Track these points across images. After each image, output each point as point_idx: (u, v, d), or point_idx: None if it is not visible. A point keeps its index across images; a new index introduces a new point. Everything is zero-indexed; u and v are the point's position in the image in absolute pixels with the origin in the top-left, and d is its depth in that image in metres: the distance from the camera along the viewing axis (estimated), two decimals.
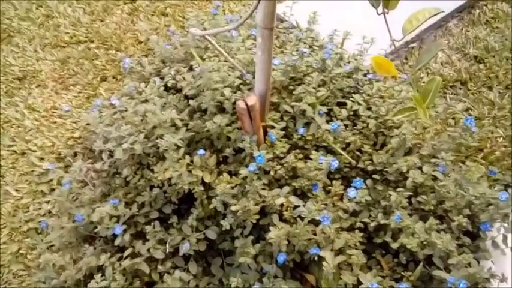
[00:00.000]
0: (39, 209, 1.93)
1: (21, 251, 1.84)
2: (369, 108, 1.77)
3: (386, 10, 1.04)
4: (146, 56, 2.49)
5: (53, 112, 2.26)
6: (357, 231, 1.47)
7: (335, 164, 1.46)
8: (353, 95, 1.74)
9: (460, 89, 2.17)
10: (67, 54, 2.52)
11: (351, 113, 1.74)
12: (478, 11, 2.56)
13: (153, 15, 2.74)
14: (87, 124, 2.04)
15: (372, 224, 1.49)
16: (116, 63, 2.45)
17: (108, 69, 2.43)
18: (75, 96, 2.32)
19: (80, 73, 2.43)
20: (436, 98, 2.10)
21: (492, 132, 1.96)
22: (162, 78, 1.91)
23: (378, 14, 1.06)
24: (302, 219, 1.39)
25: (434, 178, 1.55)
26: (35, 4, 2.85)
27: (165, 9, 2.76)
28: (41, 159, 2.09)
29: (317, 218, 1.36)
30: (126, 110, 1.75)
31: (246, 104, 1.45)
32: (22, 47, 2.58)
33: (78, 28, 2.66)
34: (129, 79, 2.13)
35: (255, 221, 1.45)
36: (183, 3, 2.79)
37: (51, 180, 1.99)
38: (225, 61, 1.74)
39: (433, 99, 1.01)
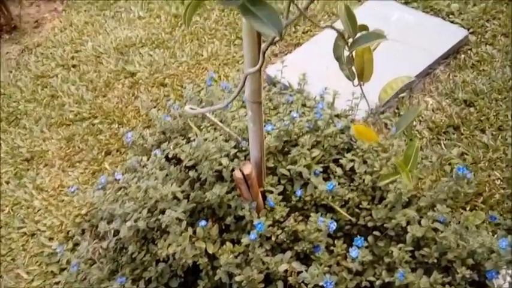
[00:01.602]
0: None
1: None
2: (365, 162, 1.81)
3: (361, 82, 1.11)
4: (148, 126, 2.58)
5: (61, 190, 2.33)
6: None
7: (333, 226, 1.48)
8: (346, 154, 1.78)
9: (453, 134, 2.21)
10: (72, 131, 2.62)
11: (348, 169, 1.78)
12: (463, 55, 2.65)
13: (152, 86, 2.86)
14: (93, 201, 2.09)
15: (378, 283, 1.49)
16: (119, 136, 2.54)
17: (112, 143, 2.52)
18: (82, 173, 2.40)
19: (85, 149, 2.51)
20: (431, 145, 2.15)
21: (489, 175, 1.98)
22: (163, 150, 1.98)
23: (354, 85, 1.13)
24: (306, 285, 1.40)
25: (435, 229, 1.56)
26: (40, 85, 2.99)
27: (164, 80, 2.88)
28: (50, 239, 2.13)
29: (320, 283, 1.37)
30: (129, 186, 1.81)
31: (243, 173, 1.50)
32: (29, 128, 2.69)
33: (82, 105, 2.78)
34: (132, 152, 2.21)
35: None
36: (180, 72, 2.92)
37: (60, 260, 2.02)
38: (221, 129, 1.81)
39: (414, 163, 1.05)
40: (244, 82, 1.24)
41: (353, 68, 1.09)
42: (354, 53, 1.06)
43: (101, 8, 3.68)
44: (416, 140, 1.06)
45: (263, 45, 1.12)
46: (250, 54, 1.22)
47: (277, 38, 0.98)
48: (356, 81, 1.12)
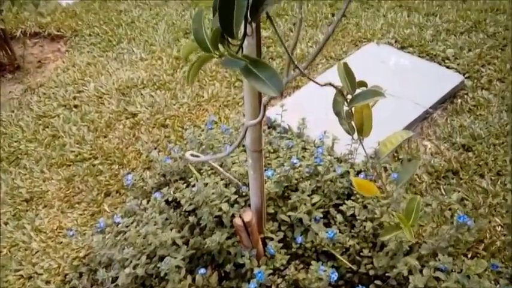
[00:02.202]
0: None
1: None
2: (365, 207, 1.81)
3: (361, 137, 1.13)
4: (148, 168, 2.59)
5: (59, 232, 2.31)
6: None
7: (334, 276, 1.47)
8: (346, 200, 1.79)
9: (453, 178, 2.22)
10: (72, 172, 2.62)
11: (348, 215, 1.78)
12: (460, 100, 2.69)
13: (153, 127, 2.88)
14: (91, 245, 2.07)
15: None
16: (119, 178, 2.54)
17: (111, 184, 2.52)
18: (81, 214, 2.39)
19: (85, 190, 2.51)
20: (430, 190, 2.16)
21: (490, 222, 1.98)
22: (162, 192, 1.98)
23: (353, 140, 1.15)
24: None
25: (437, 278, 1.55)
26: (42, 125, 3.02)
27: (165, 121, 2.91)
28: (47, 282, 2.10)
29: None
30: (129, 230, 1.80)
31: (243, 220, 1.50)
32: (29, 168, 2.69)
33: (83, 146, 2.79)
34: (132, 194, 2.21)
35: None
36: (181, 113, 2.95)
37: None
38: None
39: (416, 218, 1.05)
40: (245, 133, 1.26)
41: (352, 122, 1.11)
42: (353, 108, 1.08)
43: (103, 49, 3.76)
44: (417, 196, 1.07)
45: (264, 99, 1.15)
46: (251, 106, 1.24)
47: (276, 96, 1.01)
48: (355, 135, 1.14)
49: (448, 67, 2.94)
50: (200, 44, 0.89)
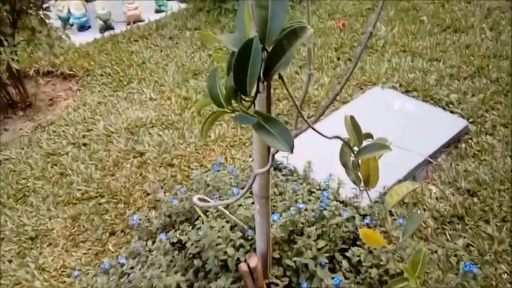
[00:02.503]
0: None
1: None
2: (371, 252, 1.81)
3: (367, 188, 1.15)
4: (154, 207, 2.60)
5: (63, 271, 2.31)
6: None
7: None
8: (352, 247, 1.79)
9: (458, 224, 2.21)
10: (78, 210, 2.64)
11: (354, 261, 1.78)
12: (464, 144, 2.72)
13: (160, 166, 2.92)
14: (94, 286, 2.06)
15: None
16: (124, 217, 2.56)
17: (117, 223, 2.53)
18: (85, 253, 2.39)
19: (90, 229, 2.52)
20: (436, 235, 2.15)
21: (496, 269, 1.96)
22: (167, 234, 1.99)
23: (360, 190, 1.17)
24: None
25: None
26: (50, 163, 3.06)
27: (172, 160, 2.95)
28: None
29: None
30: (133, 272, 1.80)
31: (248, 266, 1.50)
32: (36, 206, 2.72)
33: (90, 184, 2.82)
34: (137, 234, 2.22)
35: None
36: (188, 153, 2.99)
37: None
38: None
39: (422, 270, 1.06)
40: (253, 181, 1.29)
41: (359, 173, 1.14)
42: (359, 159, 1.11)
43: (114, 89, 3.85)
44: (424, 249, 1.08)
45: (272, 149, 1.18)
46: (260, 155, 1.28)
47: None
48: (362, 185, 1.16)
49: (452, 112, 2.98)
50: (214, 100, 0.93)
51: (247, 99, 0.92)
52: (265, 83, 1.13)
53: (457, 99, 3.09)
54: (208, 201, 1.58)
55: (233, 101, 0.97)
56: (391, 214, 2.25)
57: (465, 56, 3.71)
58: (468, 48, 3.82)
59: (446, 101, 3.10)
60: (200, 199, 1.55)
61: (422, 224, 2.21)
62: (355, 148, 1.09)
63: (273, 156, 1.18)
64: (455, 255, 2.03)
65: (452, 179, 2.47)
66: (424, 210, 2.30)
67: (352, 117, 1.11)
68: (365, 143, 1.09)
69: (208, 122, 0.94)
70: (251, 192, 2.06)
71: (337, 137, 1.07)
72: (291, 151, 0.87)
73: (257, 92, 1.03)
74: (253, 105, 1.05)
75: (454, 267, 1.96)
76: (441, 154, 2.66)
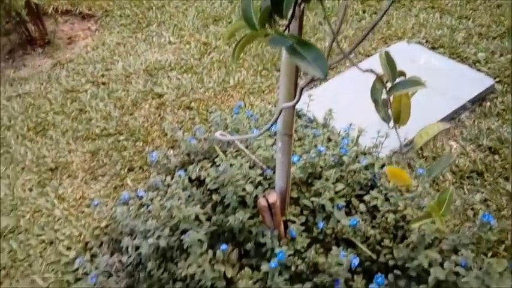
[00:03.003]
0: None
1: None
2: (387, 199, 1.82)
3: (397, 125, 1.13)
4: (172, 147, 2.62)
5: (82, 202, 2.36)
6: None
7: (356, 261, 1.49)
8: (371, 189, 1.80)
9: (477, 179, 2.20)
10: (97, 146, 2.67)
11: (370, 206, 1.79)
12: (489, 103, 2.67)
13: (178, 109, 2.91)
14: (113, 215, 2.11)
15: None
16: (142, 154, 2.58)
17: (135, 160, 2.56)
18: (104, 187, 2.43)
19: (109, 164, 2.56)
20: (454, 189, 2.15)
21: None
22: (186, 170, 2.01)
23: (389, 128, 1.15)
24: None
25: (456, 273, 1.55)
26: (69, 99, 3.07)
27: (190, 104, 2.94)
28: (68, 248, 2.15)
29: None
30: (152, 204, 1.83)
31: (267, 201, 1.52)
32: (56, 139, 2.75)
33: (109, 121, 2.84)
34: (155, 171, 2.25)
35: None
36: (207, 97, 2.98)
37: (77, 269, 2.03)
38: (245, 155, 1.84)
39: (447, 209, 1.06)
40: (279, 115, 1.28)
41: (389, 110, 1.11)
42: (391, 97, 1.08)
43: (133, 31, 3.80)
44: (451, 188, 1.08)
45: (302, 82, 1.16)
46: (287, 89, 1.26)
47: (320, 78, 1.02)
48: (391, 123, 1.14)
49: (478, 70, 2.91)
50: (248, 22, 0.91)
51: (281, 22, 0.90)
52: (302, 6, 1.10)
53: (484, 58, 3.01)
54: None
55: (266, 25, 0.94)
56: (410, 166, 2.24)
57: (495, 15, 3.58)
58: (499, 8, 3.68)
59: (474, 60, 3.02)
60: (222, 135, 1.55)
61: (441, 177, 2.20)
62: (388, 85, 1.06)
63: (301, 90, 1.16)
64: (472, 209, 2.03)
65: (474, 136, 2.44)
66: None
67: (387, 53, 1.07)
68: (398, 80, 1.06)
69: (240, 45, 0.92)
70: (270, 134, 2.06)
71: (371, 71, 1.04)
72: (324, 77, 0.85)
73: (293, 15, 1.00)
74: (288, 31, 1.02)
75: (470, 219, 1.96)
76: (465, 111, 2.61)
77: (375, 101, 1.14)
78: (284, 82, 1.29)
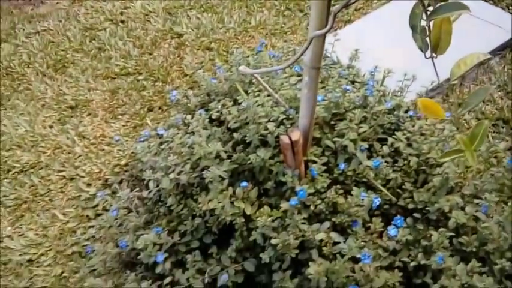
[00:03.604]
0: (84, 233, 2.01)
1: (64, 274, 1.91)
2: (410, 145, 1.78)
3: (434, 55, 1.07)
4: (191, 88, 2.59)
5: (102, 140, 2.38)
6: (396, 270, 1.46)
7: (377, 201, 1.47)
8: (395, 132, 1.76)
9: (503, 127, 2.14)
10: (117, 85, 2.65)
11: (392, 149, 1.76)
12: None
13: (198, 49, 2.86)
14: (134, 153, 2.12)
15: (412, 264, 1.48)
16: (162, 94, 2.56)
17: (155, 100, 2.55)
18: (123, 125, 2.44)
19: (128, 103, 2.55)
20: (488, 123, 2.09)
21: None
22: (207, 110, 1.98)
23: (426, 58, 1.10)
24: (342, 256, 1.39)
25: (476, 219, 1.53)
26: (88, 37, 3.03)
27: (210, 44, 2.88)
28: (88, 184, 2.19)
29: (358, 255, 1.37)
30: (173, 141, 1.83)
31: (290, 139, 1.49)
32: (75, 77, 2.74)
33: (128, 61, 2.80)
34: (175, 110, 2.23)
35: (294, 255, 1.47)
36: (227, 38, 2.91)
37: (97, 205, 2.08)
38: (269, 96, 1.80)
39: (480, 143, 1.02)
40: (310, 44, 1.22)
41: (427, 39, 1.05)
42: (431, 24, 1.02)
43: None
44: (485, 121, 1.03)
45: (335, 7, 1.10)
46: (318, 15, 1.19)
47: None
48: (428, 53, 1.08)
49: None
50: None
51: None
52: None
53: None
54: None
55: None
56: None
57: None
58: None
59: (507, 3, 2.87)
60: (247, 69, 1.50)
61: (465, 124, 2.15)
62: (429, 9, 1.00)
63: (334, 15, 1.10)
64: (496, 157, 1.99)
65: (502, 82, 2.36)
66: (469, 112, 2.23)
67: None
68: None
69: None
70: (292, 74, 2.01)
71: None
72: None
73: None
74: None
75: (494, 166, 1.92)
76: (495, 57, 2.51)
77: (413, 27, 1.07)
78: (316, 9, 1.21)
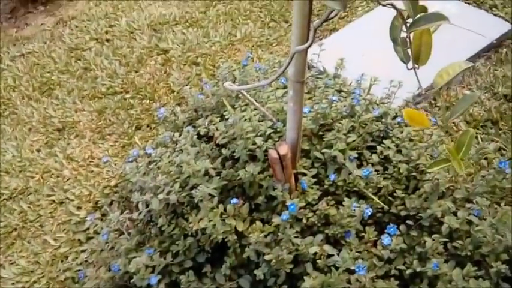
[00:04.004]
0: (76, 258, 1.98)
1: None
2: (399, 152, 1.77)
3: (416, 66, 1.07)
4: (179, 104, 2.58)
5: (90, 161, 2.36)
6: (392, 279, 1.45)
7: (368, 211, 1.46)
8: (383, 140, 1.75)
9: (491, 128, 2.15)
10: (104, 104, 2.64)
11: (382, 157, 1.75)
12: (505, 49, 2.57)
13: (185, 64, 2.85)
14: (123, 173, 2.11)
15: (408, 272, 1.47)
16: (150, 112, 2.55)
17: (142, 118, 2.53)
18: (112, 146, 2.42)
19: (116, 123, 2.53)
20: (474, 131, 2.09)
21: None
22: (195, 127, 1.97)
23: (408, 69, 1.09)
24: (337, 268, 1.38)
25: (470, 222, 1.53)
26: (74, 58, 3.02)
27: (196, 59, 2.87)
28: (78, 208, 2.16)
29: (352, 267, 1.36)
30: (161, 160, 1.81)
31: (278, 153, 1.49)
32: (61, 99, 2.72)
33: (115, 79, 2.79)
34: (163, 128, 2.21)
35: (288, 270, 1.46)
36: (213, 52, 2.91)
37: (88, 229, 2.05)
38: (256, 109, 1.79)
39: (467, 151, 1.02)
40: (291, 59, 1.22)
41: (408, 50, 1.05)
42: (411, 35, 1.02)
43: None
44: (471, 130, 1.03)
45: (315, 22, 1.10)
46: (300, 31, 1.19)
47: (333, 14, 0.96)
48: (410, 64, 1.08)
49: (495, 15, 2.78)
50: None
51: None
52: None
53: (501, 3, 2.87)
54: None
55: None
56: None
57: None
58: None
59: (490, 4, 2.88)
60: (231, 85, 1.50)
61: (454, 127, 2.15)
62: (409, 21, 1.00)
63: (315, 30, 1.10)
64: (486, 159, 1.99)
65: (489, 84, 2.37)
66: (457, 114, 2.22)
67: None
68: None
69: None
70: (278, 87, 2.00)
71: (391, 5, 0.97)
72: (344, 9, 0.79)
73: None
74: None
75: (484, 168, 1.93)
76: (480, 58, 2.52)
77: (394, 39, 1.07)
78: (297, 23, 1.21)
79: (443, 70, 1.04)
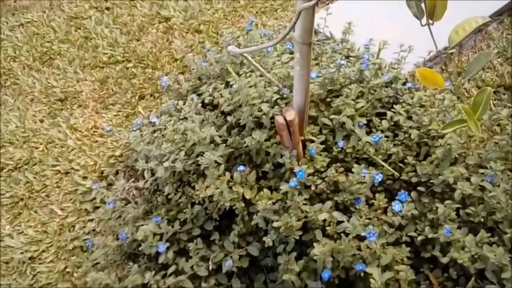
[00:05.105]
0: (84, 227, 1.97)
1: (67, 269, 1.88)
2: (410, 118, 1.73)
3: (430, 21, 1.02)
4: (182, 73, 2.53)
5: (95, 131, 2.32)
6: (403, 245, 1.43)
7: (379, 177, 1.43)
8: (393, 105, 1.71)
9: (504, 94, 2.09)
10: (106, 74, 2.59)
11: (392, 123, 1.71)
12: None
13: (187, 32, 2.78)
14: (128, 142, 2.08)
15: (419, 238, 1.45)
16: (153, 81, 2.50)
17: (145, 87, 2.49)
18: (115, 115, 2.38)
19: (119, 92, 2.49)
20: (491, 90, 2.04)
21: None
22: (199, 95, 1.93)
23: (421, 25, 1.04)
24: (347, 234, 1.36)
25: (482, 188, 1.50)
26: (74, 27, 2.95)
27: (199, 26, 2.80)
28: (84, 177, 2.14)
29: (363, 233, 1.33)
30: (165, 128, 1.78)
31: (285, 119, 1.44)
32: (63, 68, 2.67)
33: (116, 48, 2.73)
34: (167, 97, 2.17)
35: (297, 237, 1.44)
36: (216, 19, 2.83)
37: (94, 198, 2.03)
38: (261, 76, 1.74)
39: (484, 111, 0.97)
40: (298, 18, 1.16)
41: (422, 4, 1.00)
42: None
43: None
44: (488, 88, 0.98)
45: None
46: None
47: None
48: (424, 20, 1.03)
49: None
50: None
51: None
52: None
53: None
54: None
55: None
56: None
57: None
58: None
59: None
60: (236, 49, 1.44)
61: (465, 93, 2.10)
62: None
63: None
64: (499, 125, 1.94)
65: (502, 48, 2.29)
66: (469, 81, 2.17)
67: None
68: None
69: None
70: (283, 52, 1.94)
71: None
72: None
73: None
74: None
75: (497, 134, 1.88)
76: (492, 23, 2.44)
77: None
78: None
79: (459, 26, 0.98)
